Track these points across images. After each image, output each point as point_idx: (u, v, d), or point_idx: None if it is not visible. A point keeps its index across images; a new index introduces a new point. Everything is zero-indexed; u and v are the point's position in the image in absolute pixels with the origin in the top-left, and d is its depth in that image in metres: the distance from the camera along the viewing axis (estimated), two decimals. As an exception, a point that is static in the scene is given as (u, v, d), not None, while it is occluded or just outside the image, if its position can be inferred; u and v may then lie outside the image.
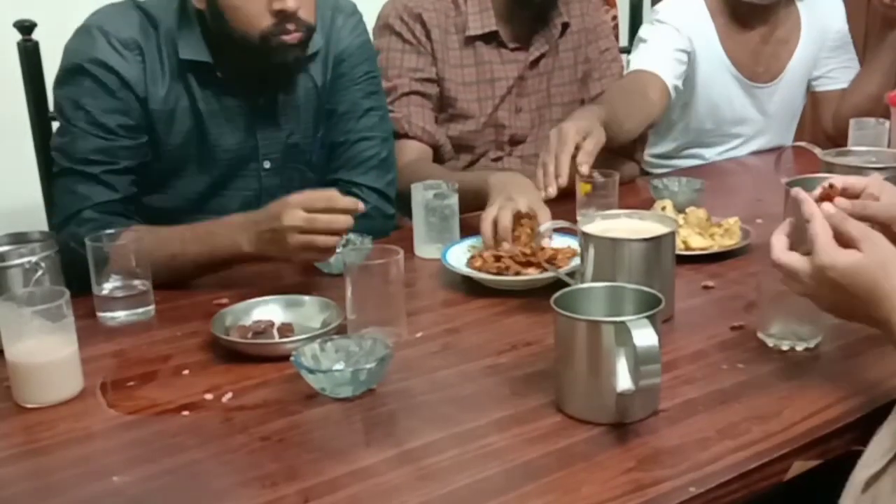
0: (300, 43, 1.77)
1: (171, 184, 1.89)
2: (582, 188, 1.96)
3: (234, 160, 1.90)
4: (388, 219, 2.01)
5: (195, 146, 1.86)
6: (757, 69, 2.59)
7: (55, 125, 1.86)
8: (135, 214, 1.80)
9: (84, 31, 1.80)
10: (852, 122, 2.30)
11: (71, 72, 1.78)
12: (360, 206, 1.61)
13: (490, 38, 2.28)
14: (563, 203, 1.95)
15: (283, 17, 1.72)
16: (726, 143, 2.69)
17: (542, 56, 2.33)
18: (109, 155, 1.77)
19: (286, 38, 1.74)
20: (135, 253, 1.59)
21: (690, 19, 2.51)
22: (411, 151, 2.22)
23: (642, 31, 2.56)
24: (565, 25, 2.35)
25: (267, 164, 1.93)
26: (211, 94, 1.85)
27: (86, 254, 1.60)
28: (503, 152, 2.36)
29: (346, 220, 1.59)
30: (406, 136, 2.22)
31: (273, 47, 1.74)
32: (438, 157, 2.29)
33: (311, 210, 1.59)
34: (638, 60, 2.45)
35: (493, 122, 2.31)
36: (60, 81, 1.81)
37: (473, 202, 1.93)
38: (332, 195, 1.63)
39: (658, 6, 2.60)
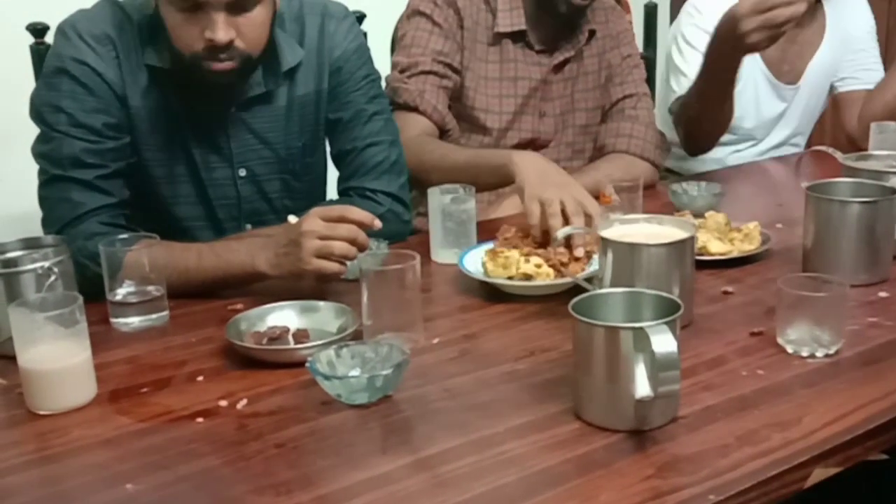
0: (232, 70, 1.74)
1: (159, 191, 1.88)
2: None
3: (210, 165, 1.90)
4: (403, 223, 1.99)
5: (179, 146, 1.86)
6: (783, 68, 2.58)
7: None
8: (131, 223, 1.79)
9: (58, 33, 1.80)
10: (873, 125, 2.29)
11: (48, 75, 1.77)
12: (377, 222, 1.61)
13: (518, 37, 2.28)
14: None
15: (213, 46, 1.69)
16: (744, 142, 2.66)
17: (566, 61, 2.32)
18: (99, 158, 1.75)
19: (215, 65, 1.72)
20: (148, 258, 1.59)
21: None
22: (417, 125, 2.20)
23: (689, 34, 2.51)
24: (592, 32, 2.34)
25: (242, 172, 1.92)
26: (181, 98, 1.83)
27: (96, 268, 1.60)
28: None
29: (364, 234, 1.59)
30: (416, 110, 2.20)
31: (203, 71, 1.73)
32: (445, 141, 2.26)
33: (327, 218, 1.58)
34: (692, 76, 2.37)
35: (517, 126, 2.30)
36: (39, 86, 1.81)
37: (489, 181, 1.95)
38: (346, 206, 1.64)
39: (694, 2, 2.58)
